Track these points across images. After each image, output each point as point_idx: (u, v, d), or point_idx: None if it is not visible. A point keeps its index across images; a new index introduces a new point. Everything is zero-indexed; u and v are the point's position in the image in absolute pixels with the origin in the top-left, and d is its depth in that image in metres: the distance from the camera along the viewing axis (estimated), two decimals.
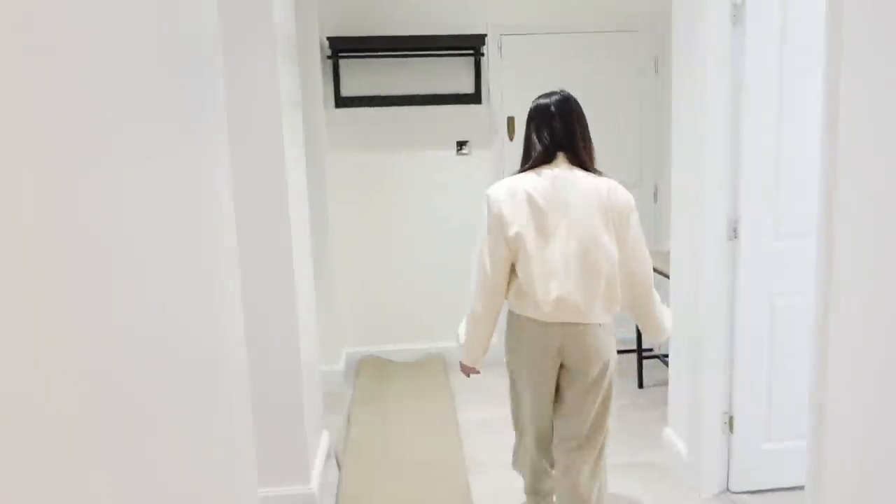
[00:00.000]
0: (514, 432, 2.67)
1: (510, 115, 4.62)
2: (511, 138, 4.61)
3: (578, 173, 2.35)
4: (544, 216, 2.30)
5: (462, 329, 2.53)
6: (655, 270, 3.76)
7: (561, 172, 2.35)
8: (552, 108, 2.41)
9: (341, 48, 4.36)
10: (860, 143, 1.78)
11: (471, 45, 4.42)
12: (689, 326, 3.00)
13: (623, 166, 4.68)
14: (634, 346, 4.25)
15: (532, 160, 2.40)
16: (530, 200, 2.31)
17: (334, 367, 4.37)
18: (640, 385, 4.24)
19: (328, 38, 4.29)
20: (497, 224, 2.33)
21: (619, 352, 4.15)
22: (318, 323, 4.20)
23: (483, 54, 4.49)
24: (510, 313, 2.44)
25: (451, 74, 4.55)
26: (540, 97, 2.48)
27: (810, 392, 1.98)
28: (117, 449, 0.98)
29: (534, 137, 2.42)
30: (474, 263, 2.42)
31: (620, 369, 4.40)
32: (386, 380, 4.37)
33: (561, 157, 2.37)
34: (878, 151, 1.72)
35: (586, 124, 2.46)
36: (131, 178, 1.04)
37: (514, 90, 4.61)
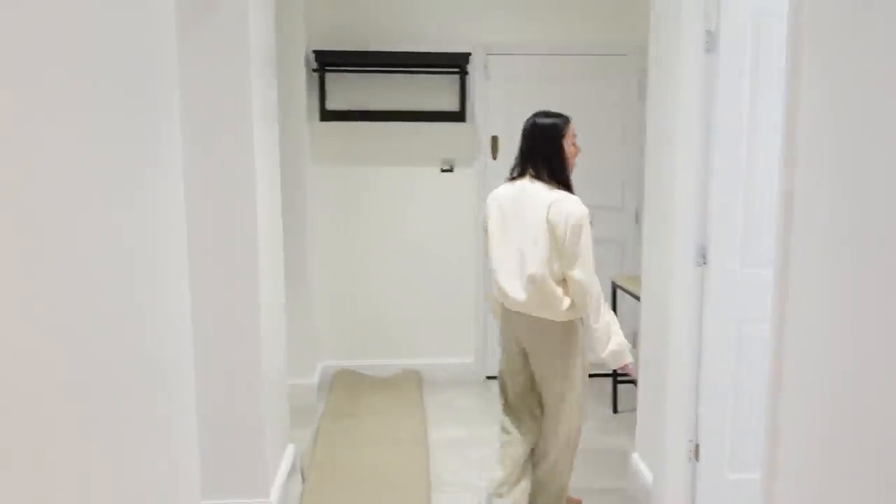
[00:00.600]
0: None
1: (494, 134, 4.63)
2: (494, 157, 4.62)
3: (538, 186, 2.72)
4: (506, 220, 2.76)
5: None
6: (629, 293, 3.78)
7: (524, 185, 2.75)
8: (524, 130, 2.85)
9: (328, 62, 4.37)
10: (814, 173, 1.78)
11: (456, 64, 4.44)
12: (656, 351, 2.99)
13: (606, 189, 4.69)
14: (609, 370, 4.23)
15: (511, 172, 2.85)
16: (500, 206, 2.79)
17: (308, 380, 4.34)
18: (615, 410, 4.22)
19: (314, 52, 4.31)
20: (484, 222, 2.86)
21: (592, 375, 4.16)
22: (292, 336, 4.19)
23: (468, 73, 4.51)
24: None
25: (437, 92, 4.57)
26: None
27: (765, 423, 1.97)
28: (38, 454, 0.97)
29: (517, 153, 2.85)
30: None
31: (594, 393, 4.40)
32: (359, 394, 4.35)
33: (528, 172, 2.77)
34: (833, 184, 1.72)
35: (552, 146, 2.77)
36: (73, 183, 1.04)
37: (499, 110, 4.62)
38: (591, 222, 2.67)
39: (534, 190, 2.69)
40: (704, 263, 2.81)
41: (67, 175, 1.10)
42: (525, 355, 2.83)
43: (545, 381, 2.80)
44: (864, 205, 1.59)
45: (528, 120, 2.85)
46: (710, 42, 2.72)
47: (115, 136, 1.29)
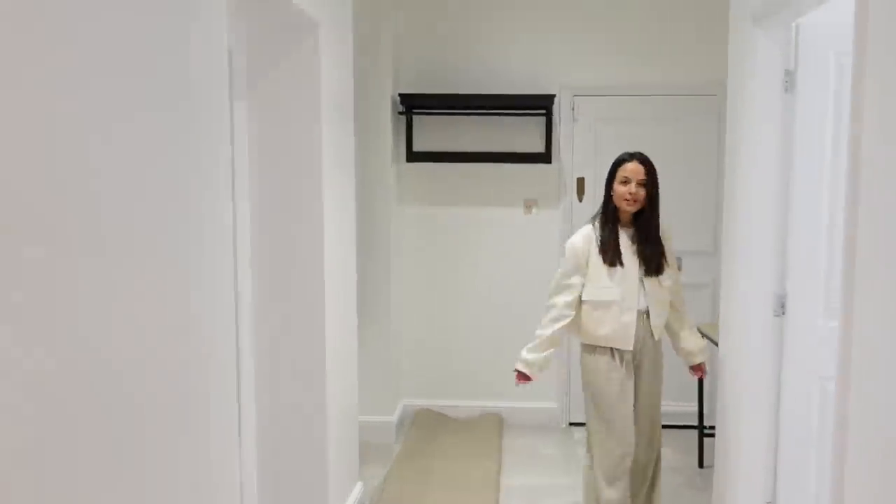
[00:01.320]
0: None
1: (580, 175, 4.58)
2: (580, 199, 4.56)
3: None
4: None
5: None
6: (713, 341, 3.60)
7: None
8: None
9: (414, 104, 4.48)
10: (879, 220, 1.66)
11: (541, 105, 4.44)
12: (733, 405, 2.83)
13: (697, 233, 4.53)
14: (695, 422, 4.04)
15: None
16: None
17: (388, 417, 4.38)
18: (701, 464, 4.01)
19: (400, 95, 4.42)
20: None
21: (681, 426, 4.01)
22: (374, 373, 4.26)
23: (553, 114, 4.49)
24: None
25: (522, 133, 4.58)
26: None
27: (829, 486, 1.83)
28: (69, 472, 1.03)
29: None
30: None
31: (679, 446, 4.20)
32: (437, 435, 4.34)
33: None
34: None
35: (606, 186, 3.03)
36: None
37: (585, 151, 4.58)
38: (569, 250, 2.96)
39: None
40: (783, 314, 2.66)
41: (124, 245, 1.18)
42: None
43: None
44: None
45: None
46: (789, 81, 2.61)
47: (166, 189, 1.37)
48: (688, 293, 4.56)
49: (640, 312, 2.88)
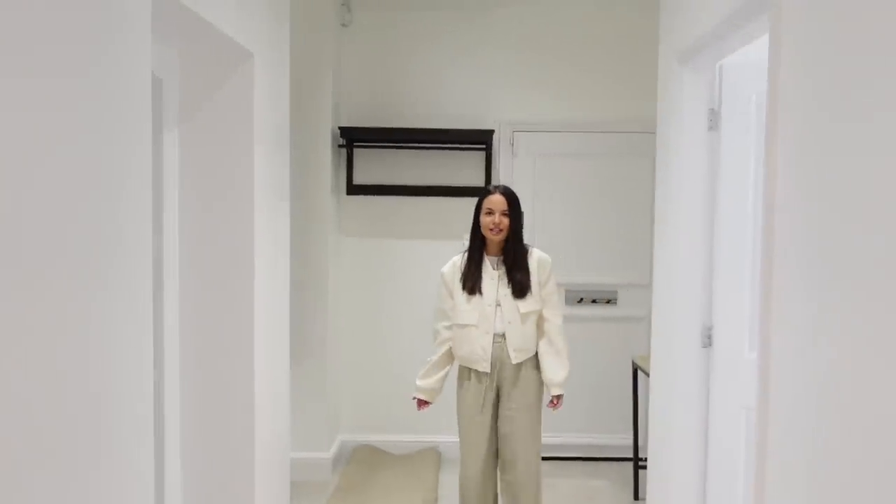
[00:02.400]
0: None
1: None
2: None
3: None
4: None
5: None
6: (646, 372, 3.65)
7: None
8: None
9: (354, 138, 4.49)
10: (792, 255, 1.72)
11: (481, 140, 4.50)
12: (664, 434, 2.87)
13: (633, 267, 4.62)
14: (630, 454, 4.07)
15: None
16: None
17: (323, 454, 4.30)
18: (636, 496, 4.04)
19: (340, 128, 4.43)
20: None
21: (617, 459, 4.08)
22: (310, 409, 4.19)
23: (493, 149, 4.55)
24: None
25: (462, 167, 4.62)
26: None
27: None
28: None
29: None
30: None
31: (616, 479, 4.23)
32: (374, 471, 4.28)
33: None
34: (805, 270, 1.65)
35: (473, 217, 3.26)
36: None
37: (525, 185, 4.63)
38: (440, 278, 3.25)
39: None
40: (711, 345, 2.71)
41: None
42: None
43: None
44: (836, 290, 1.52)
45: None
46: (713, 120, 2.70)
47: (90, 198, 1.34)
48: (623, 326, 4.66)
49: (496, 336, 3.05)
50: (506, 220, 3.09)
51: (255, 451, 2.72)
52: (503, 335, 3.06)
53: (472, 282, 3.10)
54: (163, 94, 2.49)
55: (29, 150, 1.27)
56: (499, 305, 3.07)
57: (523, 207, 4.59)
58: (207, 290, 2.64)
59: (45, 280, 1.32)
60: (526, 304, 3.06)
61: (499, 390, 3.10)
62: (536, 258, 3.15)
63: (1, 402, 1.20)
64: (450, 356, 3.21)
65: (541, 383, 3.14)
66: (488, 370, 3.06)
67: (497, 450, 3.15)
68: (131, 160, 1.65)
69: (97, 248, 1.50)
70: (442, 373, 3.21)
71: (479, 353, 3.06)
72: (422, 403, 3.21)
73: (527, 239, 4.51)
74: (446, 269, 3.22)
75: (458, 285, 3.14)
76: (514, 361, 3.06)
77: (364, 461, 4.42)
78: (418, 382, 3.21)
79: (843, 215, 1.46)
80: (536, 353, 3.13)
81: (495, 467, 3.18)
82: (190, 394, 2.64)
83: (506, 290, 3.07)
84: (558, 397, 3.14)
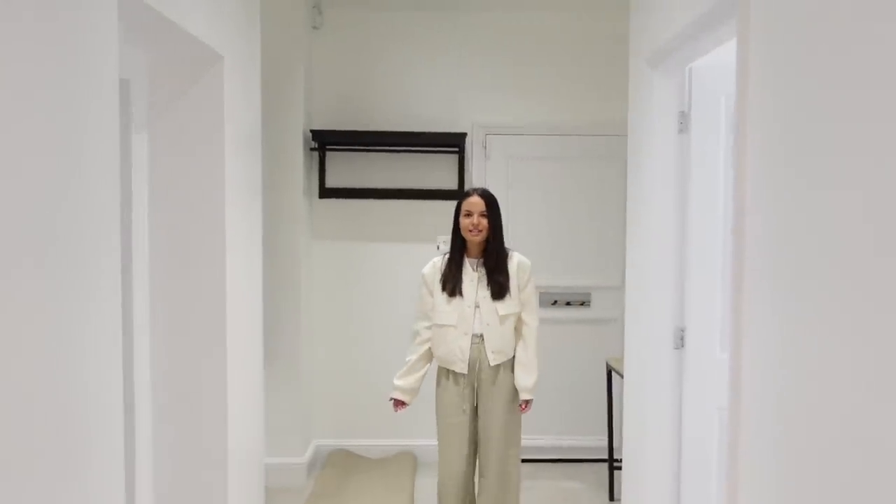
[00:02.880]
0: None
1: None
2: None
3: None
4: None
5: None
6: (619, 374, 3.67)
7: None
8: None
9: (327, 141, 4.46)
10: (762, 257, 1.73)
11: (454, 143, 4.49)
12: (637, 435, 2.88)
13: (605, 268, 4.65)
14: (605, 455, 4.09)
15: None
16: None
17: (298, 459, 4.27)
18: (612, 497, 4.06)
19: (312, 131, 4.40)
20: None
21: (592, 460, 4.13)
22: (284, 413, 4.16)
23: (465, 151, 4.56)
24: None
25: (435, 170, 4.62)
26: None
27: None
28: None
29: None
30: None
31: (592, 480, 4.25)
32: (350, 475, 4.25)
33: None
34: (773, 268, 1.67)
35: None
36: None
37: (498, 188, 4.63)
38: (421, 279, 3.23)
39: None
40: (683, 346, 2.73)
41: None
42: None
43: None
44: (806, 291, 1.54)
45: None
46: (684, 123, 2.72)
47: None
48: (597, 328, 4.69)
49: (474, 336, 3.07)
50: (484, 221, 3.09)
51: (228, 456, 2.70)
52: (481, 336, 3.07)
53: (452, 283, 3.11)
54: (130, 95, 2.46)
55: None
56: (478, 307, 3.08)
57: None
58: (179, 292, 2.61)
59: (10, 281, 1.29)
60: (505, 307, 3.07)
61: (477, 392, 3.11)
62: (517, 261, 3.15)
63: None
64: (429, 356, 3.21)
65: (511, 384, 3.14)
66: (465, 371, 3.07)
67: (475, 451, 3.16)
68: (98, 161, 1.62)
69: (63, 249, 1.47)
70: (420, 373, 3.20)
71: (457, 353, 3.07)
72: (398, 404, 3.18)
73: None
74: (427, 269, 3.22)
75: (437, 286, 3.14)
76: (492, 363, 3.07)
77: (339, 465, 4.39)
78: (396, 382, 3.19)
79: (812, 217, 1.48)
80: (514, 356, 3.14)
81: (474, 469, 3.18)
82: (161, 397, 2.61)
83: (485, 292, 3.08)
84: (527, 402, 3.13)
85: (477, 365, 3.08)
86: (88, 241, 1.58)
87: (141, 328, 2.53)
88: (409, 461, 4.49)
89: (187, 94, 2.61)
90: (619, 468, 4.06)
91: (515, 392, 3.12)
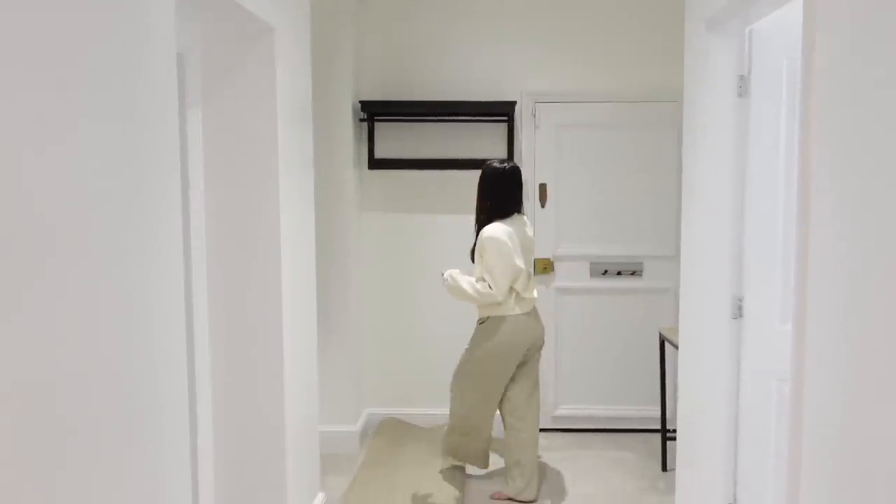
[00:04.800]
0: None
1: (542, 181, 4.59)
2: (543, 205, 4.58)
3: (525, 218, 3.69)
4: (517, 248, 3.51)
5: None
6: (674, 345, 3.64)
7: (519, 219, 3.62)
8: (507, 174, 3.61)
9: (375, 112, 4.46)
10: (826, 227, 1.68)
11: (503, 112, 4.45)
12: (693, 406, 2.85)
13: (658, 237, 4.58)
14: (658, 426, 4.06)
15: (496, 211, 3.56)
16: (513, 238, 3.50)
17: (351, 427, 4.33)
18: (664, 468, 4.03)
19: (361, 102, 4.40)
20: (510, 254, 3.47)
21: (643, 430, 4.14)
22: (336, 382, 4.22)
23: (515, 121, 4.51)
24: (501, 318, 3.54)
25: (484, 140, 4.58)
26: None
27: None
28: None
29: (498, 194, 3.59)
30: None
31: (644, 450, 4.23)
32: (402, 443, 4.30)
33: (517, 210, 3.63)
34: (843, 239, 1.62)
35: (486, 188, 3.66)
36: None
37: (547, 157, 4.59)
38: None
39: (524, 221, 3.65)
40: (741, 317, 2.68)
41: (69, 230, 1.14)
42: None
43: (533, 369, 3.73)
44: (875, 262, 1.49)
45: (501, 166, 3.60)
46: (743, 87, 2.64)
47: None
48: (649, 297, 4.64)
49: None
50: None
51: (285, 424, 2.75)
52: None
53: None
54: (185, 70, 2.48)
55: (60, 130, 1.26)
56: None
57: (545, 178, 4.59)
58: (235, 267, 2.66)
59: (82, 259, 1.32)
60: (476, 270, 3.54)
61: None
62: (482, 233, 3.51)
63: (50, 377, 1.21)
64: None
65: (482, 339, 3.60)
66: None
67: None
68: (159, 137, 1.64)
69: (130, 228, 1.50)
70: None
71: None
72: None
73: (550, 212, 4.54)
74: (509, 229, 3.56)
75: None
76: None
77: (391, 434, 4.45)
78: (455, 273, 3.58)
79: (885, 186, 1.42)
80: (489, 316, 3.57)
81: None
82: (221, 368, 2.66)
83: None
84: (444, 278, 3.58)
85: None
86: (152, 216, 1.60)
87: (200, 302, 2.58)
88: None
89: (239, 68, 2.62)
90: (672, 438, 4.04)
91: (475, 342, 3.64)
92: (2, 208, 1.11)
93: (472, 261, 3.57)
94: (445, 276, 3.56)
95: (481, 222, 3.55)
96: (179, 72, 2.42)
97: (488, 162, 3.64)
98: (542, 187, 4.60)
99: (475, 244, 3.54)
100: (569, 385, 4.71)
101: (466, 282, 3.49)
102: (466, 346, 3.72)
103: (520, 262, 3.46)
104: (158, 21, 1.65)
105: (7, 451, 1.12)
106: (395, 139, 4.59)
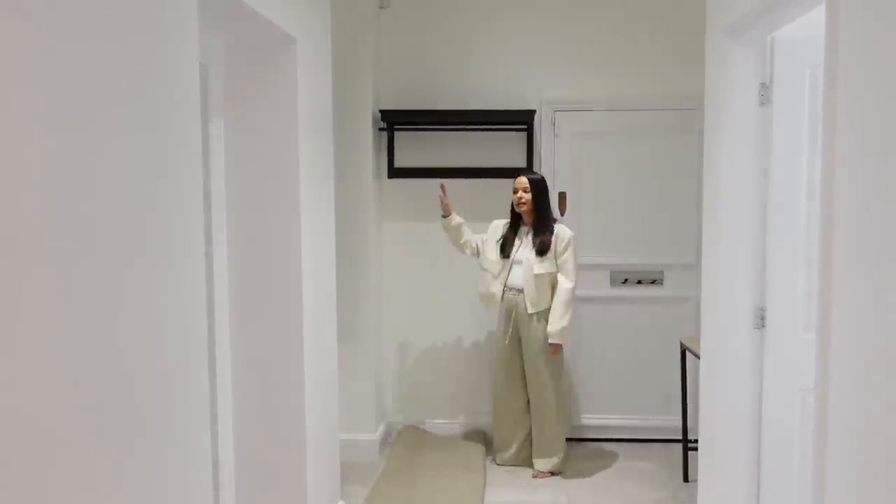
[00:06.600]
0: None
1: (562, 190, 4.58)
2: (562, 213, 4.57)
3: None
4: None
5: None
6: (695, 354, 3.61)
7: None
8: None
9: (395, 121, 4.47)
10: (854, 233, 1.66)
11: (522, 120, 4.45)
12: (714, 417, 2.82)
13: (678, 246, 4.55)
14: (680, 436, 4.03)
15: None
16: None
17: (370, 436, 4.34)
18: (686, 478, 4.00)
19: (381, 111, 4.42)
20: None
21: (665, 440, 4.12)
22: (356, 391, 4.23)
23: (534, 129, 4.51)
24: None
25: (504, 148, 4.58)
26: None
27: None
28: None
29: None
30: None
31: (666, 461, 4.20)
32: (422, 452, 4.30)
33: None
34: (866, 248, 1.60)
35: None
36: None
37: (566, 165, 4.59)
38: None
39: None
40: (763, 326, 2.66)
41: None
42: None
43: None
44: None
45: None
46: (765, 95, 2.62)
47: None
48: (669, 306, 4.60)
49: (512, 289, 4.03)
50: (527, 196, 3.95)
51: (306, 432, 2.76)
52: (521, 290, 3.98)
53: (503, 244, 4.06)
54: (208, 81, 2.51)
55: (87, 139, 1.28)
56: (520, 265, 3.98)
57: (565, 187, 4.58)
58: (256, 275, 2.67)
59: (108, 261, 1.34)
60: (541, 266, 3.91)
61: (519, 333, 4.04)
62: (558, 231, 3.95)
63: (71, 374, 1.22)
64: (462, 236, 4.15)
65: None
66: (498, 310, 4.14)
67: (524, 385, 4.12)
68: (182, 147, 1.66)
69: (154, 235, 1.52)
70: (463, 230, 4.13)
71: (491, 295, 4.10)
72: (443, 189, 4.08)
73: (570, 218, 4.52)
74: (495, 222, 4.16)
75: (493, 238, 4.10)
76: (529, 311, 3.95)
77: (410, 443, 4.45)
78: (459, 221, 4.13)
79: None
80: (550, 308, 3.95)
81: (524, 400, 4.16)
82: (242, 377, 2.68)
83: (530, 254, 3.94)
84: (554, 346, 3.94)
85: (514, 311, 4.01)
86: (175, 224, 1.62)
87: (221, 310, 2.60)
88: (479, 439, 4.52)
89: (261, 78, 2.65)
90: (694, 449, 4.00)
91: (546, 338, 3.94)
92: (40, 214, 1.13)
93: (540, 253, 3.92)
94: (557, 340, 3.91)
95: (545, 220, 3.97)
96: (202, 82, 2.45)
97: (536, 172, 4.16)
98: (562, 196, 4.59)
99: (541, 239, 3.92)
100: (590, 395, 4.69)
101: (560, 303, 3.89)
102: (529, 346, 4.00)
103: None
104: (182, 33, 1.67)
105: (28, 453, 1.14)
106: (415, 148, 4.61)
